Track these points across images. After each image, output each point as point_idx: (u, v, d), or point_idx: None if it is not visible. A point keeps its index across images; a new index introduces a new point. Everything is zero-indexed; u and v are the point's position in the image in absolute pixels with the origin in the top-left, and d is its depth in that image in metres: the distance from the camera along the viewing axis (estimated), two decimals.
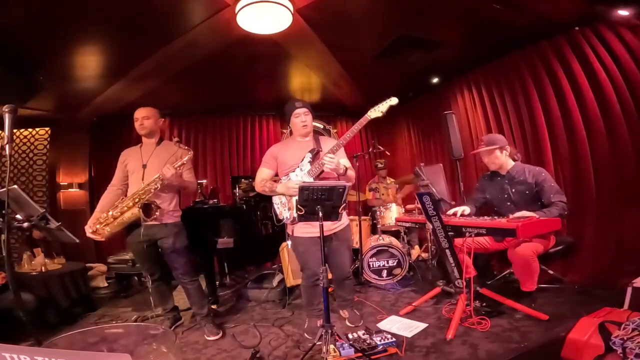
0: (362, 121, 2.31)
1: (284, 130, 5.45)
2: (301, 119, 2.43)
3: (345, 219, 2.45)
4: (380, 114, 2.31)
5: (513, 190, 2.58)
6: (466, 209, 2.65)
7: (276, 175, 2.51)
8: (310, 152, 2.38)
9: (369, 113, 2.31)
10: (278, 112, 5.52)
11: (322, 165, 2.26)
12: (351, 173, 2.43)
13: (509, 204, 2.60)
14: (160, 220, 2.39)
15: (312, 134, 2.55)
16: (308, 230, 2.33)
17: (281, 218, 2.45)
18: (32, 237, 3.28)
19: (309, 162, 2.35)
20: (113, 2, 2.48)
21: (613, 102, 2.76)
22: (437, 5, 2.81)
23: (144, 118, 2.52)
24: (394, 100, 2.32)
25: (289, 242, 2.52)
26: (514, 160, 2.67)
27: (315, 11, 2.79)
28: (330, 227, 2.31)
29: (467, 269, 2.41)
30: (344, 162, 2.43)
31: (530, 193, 2.53)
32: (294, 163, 2.39)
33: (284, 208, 2.42)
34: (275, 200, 2.47)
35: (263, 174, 2.47)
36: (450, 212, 2.66)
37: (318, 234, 2.23)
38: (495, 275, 3.23)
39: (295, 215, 2.33)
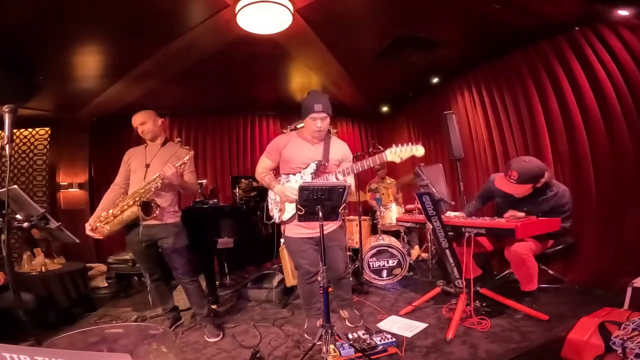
0: (376, 159, 2.16)
1: (284, 131, 5.43)
2: (317, 123, 2.27)
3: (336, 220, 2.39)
4: (398, 160, 2.14)
5: (525, 208, 2.49)
6: (461, 215, 2.64)
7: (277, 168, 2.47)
8: (315, 163, 2.32)
9: (386, 153, 2.14)
10: (278, 112, 5.52)
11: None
12: (352, 188, 2.34)
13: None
14: (161, 220, 2.39)
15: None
16: (298, 231, 2.33)
17: (271, 215, 2.44)
18: (32, 237, 3.28)
19: (312, 173, 2.31)
20: (113, 2, 2.48)
21: (613, 101, 2.76)
22: (437, 5, 2.81)
23: (141, 124, 2.49)
24: (420, 151, 2.10)
25: (282, 241, 2.50)
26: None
27: (315, 11, 2.78)
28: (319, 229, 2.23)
29: (471, 269, 2.39)
30: (349, 179, 2.36)
31: (542, 215, 2.44)
32: (298, 166, 2.35)
33: (276, 207, 2.41)
34: (270, 195, 2.46)
35: (264, 163, 2.44)
36: (449, 215, 2.66)
37: (308, 235, 2.29)
38: (495, 275, 3.23)
39: (284, 218, 2.35)
